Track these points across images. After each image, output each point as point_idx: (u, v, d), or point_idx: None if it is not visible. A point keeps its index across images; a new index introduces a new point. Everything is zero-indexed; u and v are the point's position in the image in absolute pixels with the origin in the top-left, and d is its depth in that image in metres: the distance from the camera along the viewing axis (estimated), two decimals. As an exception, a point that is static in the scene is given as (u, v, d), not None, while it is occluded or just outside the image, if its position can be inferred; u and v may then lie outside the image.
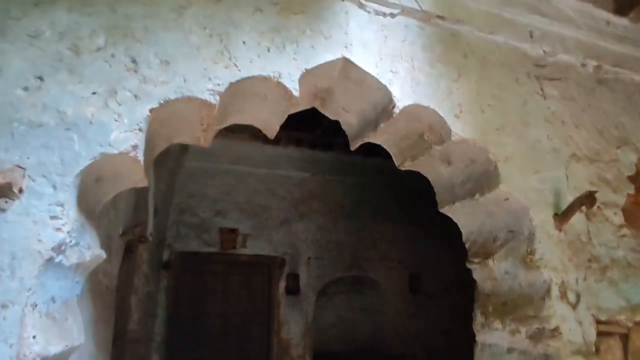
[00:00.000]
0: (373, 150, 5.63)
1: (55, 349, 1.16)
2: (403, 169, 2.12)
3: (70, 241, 1.22)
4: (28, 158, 1.17)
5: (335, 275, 5.53)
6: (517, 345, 1.79)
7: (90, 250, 1.36)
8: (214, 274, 5.20)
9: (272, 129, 1.88)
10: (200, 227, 5.10)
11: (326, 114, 2.06)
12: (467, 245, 2.13)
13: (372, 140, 2.04)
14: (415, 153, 1.98)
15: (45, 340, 1.13)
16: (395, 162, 2.13)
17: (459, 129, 1.75)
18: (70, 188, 1.20)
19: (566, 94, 2.10)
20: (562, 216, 1.76)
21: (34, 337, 1.09)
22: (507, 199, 1.80)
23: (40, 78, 1.25)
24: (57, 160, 1.19)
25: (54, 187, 1.17)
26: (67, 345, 1.26)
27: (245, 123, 1.91)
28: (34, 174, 1.16)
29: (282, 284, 5.24)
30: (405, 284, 5.81)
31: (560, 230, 1.77)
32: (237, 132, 5.07)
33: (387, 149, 2.12)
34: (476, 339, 2.05)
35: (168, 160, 4.42)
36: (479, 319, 2.03)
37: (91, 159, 1.21)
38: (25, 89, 1.23)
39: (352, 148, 2.10)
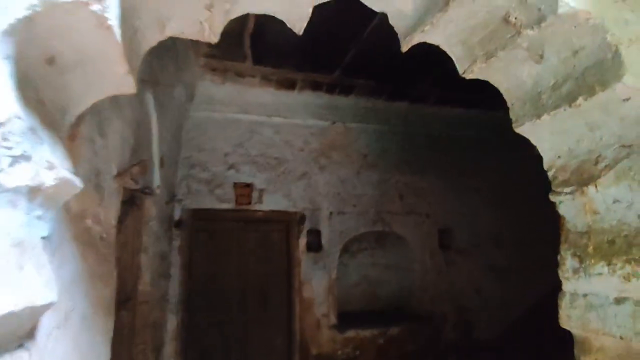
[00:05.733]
0: (398, 94, 5.10)
1: (-1, 308, 0.76)
2: (469, 76, 1.63)
3: (10, 147, 0.79)
4: None
5: (359, 231, 5.15)
6: (633, 294, 1.36)
7: (52, 171, 0.93)
8: (230, 231, 4.86)
9: (300, 18, 1.39)
10: (213, 183, 4.71)
11: (370, 5, 1.55)
12: (550, 174, 1.67)
13: (428, 39, 1.55)
14: (492, 48, 1.47)
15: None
16: (458, 68, 1.64)
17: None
18: (-1, 60, 0.75)
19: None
20: None
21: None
22: (629, 98, 1.30)
23: None
24: (-29, 12, 0.73)
25: (-33, 52, 0.72)
26: (25, 304, 0.86)
27: (265, 12, 1.41)
28: None
29: (303, 241, 4.89)
30: (434, 239, 5.41)
31: None
32: (247, 77, 4.57)
33: (447, 51, 1.62)
34: (563, 288, 1.63)
35: (171, 108, 3.96)
36: (569, 263, 1.60)
37: (27, 9, 0.75)
38: None
39: (404, 49, 1.61)
